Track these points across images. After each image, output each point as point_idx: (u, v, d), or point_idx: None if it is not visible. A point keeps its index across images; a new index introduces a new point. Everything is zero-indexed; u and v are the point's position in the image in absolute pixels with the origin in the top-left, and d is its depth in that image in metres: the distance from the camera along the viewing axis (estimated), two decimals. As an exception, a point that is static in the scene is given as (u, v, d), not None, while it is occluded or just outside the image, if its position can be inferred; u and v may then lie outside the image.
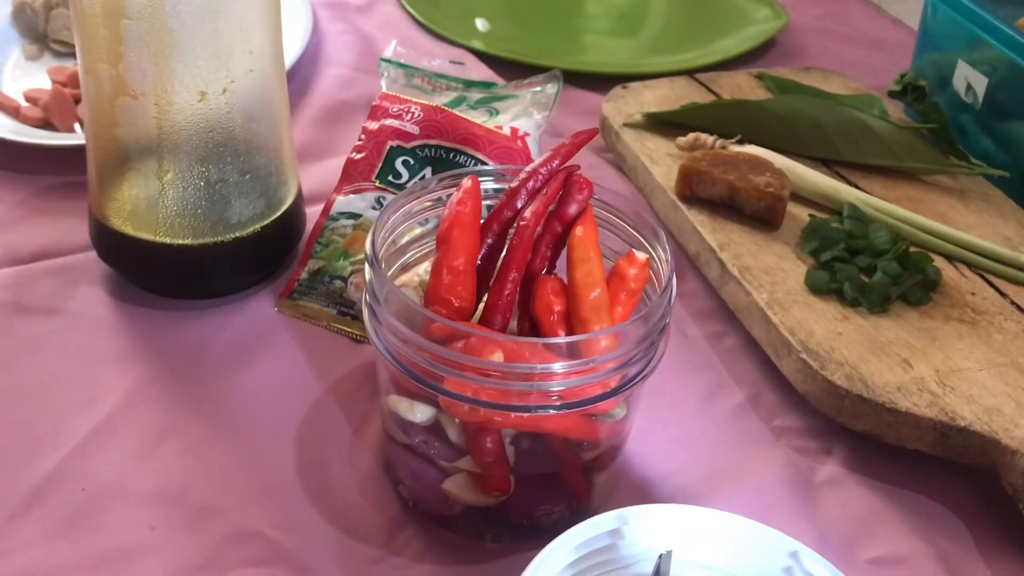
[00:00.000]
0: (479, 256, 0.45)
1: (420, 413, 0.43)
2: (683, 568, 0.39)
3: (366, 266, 0.44)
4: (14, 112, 0.68)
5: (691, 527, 0.40)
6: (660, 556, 0.39)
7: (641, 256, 0.44)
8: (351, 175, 0.60)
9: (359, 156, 0.60)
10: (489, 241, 0.45)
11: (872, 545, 0.47)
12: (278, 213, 0.56)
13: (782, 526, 0.40)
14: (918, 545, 0.47)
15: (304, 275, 0.57)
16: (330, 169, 0.63)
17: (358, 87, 0.76)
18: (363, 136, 0.60)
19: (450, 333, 0.41)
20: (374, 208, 0.58)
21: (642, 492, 0.49)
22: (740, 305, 0.57)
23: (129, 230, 0.54)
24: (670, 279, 0.43)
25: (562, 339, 0.42)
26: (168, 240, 0.54)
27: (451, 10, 0.88)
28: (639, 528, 0.39)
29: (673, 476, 0.50)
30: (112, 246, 0.56)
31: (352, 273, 0.56)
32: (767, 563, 0.39)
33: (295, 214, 0.58)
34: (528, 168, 0.46)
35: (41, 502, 0.46)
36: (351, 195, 0.59)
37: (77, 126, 0.67)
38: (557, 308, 0.43)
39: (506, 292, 0.43)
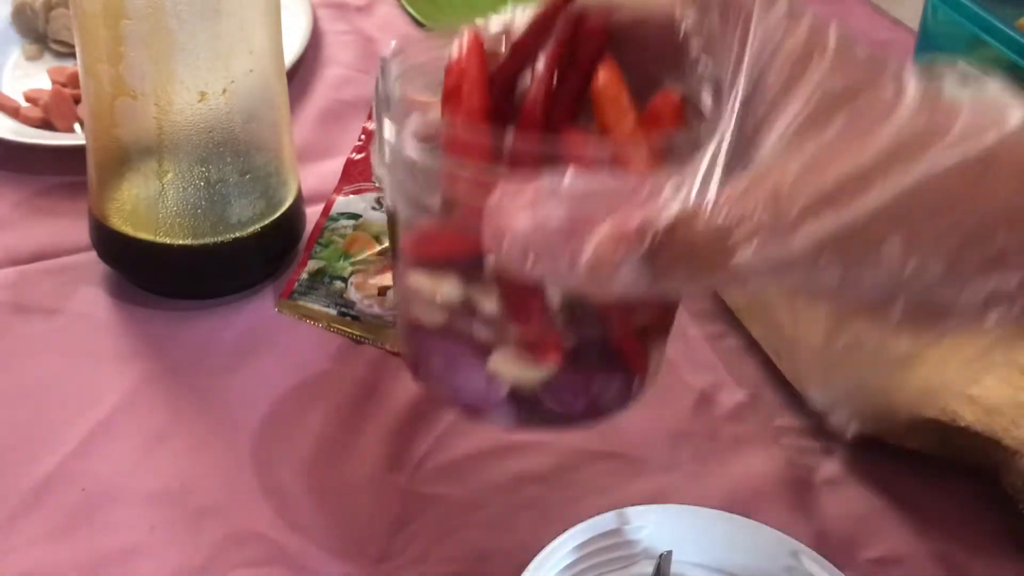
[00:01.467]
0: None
1: (448, 288, 0.37)
2: (683, 568, 0.39)
3: (377, 118, 0.36)
4: (14, 112, 0.68)
5: (691, 527, 0.40)
6: (660, 556, 0.39)
7: (674, 95, 0.37)
8: (351, 175, 0.60)
9: (359, 156, 0.60)
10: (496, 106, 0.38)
11: (872, 545, 0.47)
12: (278, 213, 0.56)
13: (782, 526, 0.40)
14: (918, 545, 0.47)
15: (304, 276, 0.57)
16: (330, 169, 0.63)
17: (358, 87, 0.76)
18: (363, 136, 0.60)
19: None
20: (374, 208, 0.58)
21: (642, 492, 0.49)
22: (740, 305, 0.57)
23: (129, 230, 0.54)
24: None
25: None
26: (168, 240, 0.54)
27: (451, 9, 0.88)
28: (639, 528, 0.39)
29: (673, 476, 0.50)
30: (112, 246, 0.56)
31: (352, 274, 0.56)
32: (767, 563, 0.39)
33: (295, 214, 0.58)
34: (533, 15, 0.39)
35: (41, 502, 0.46)
36: (351, 195, 0.59)
37: (77, 126, 0.67)
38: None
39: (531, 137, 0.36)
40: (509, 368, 0.38)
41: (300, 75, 0.76)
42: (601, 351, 0.39)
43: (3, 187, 0.63)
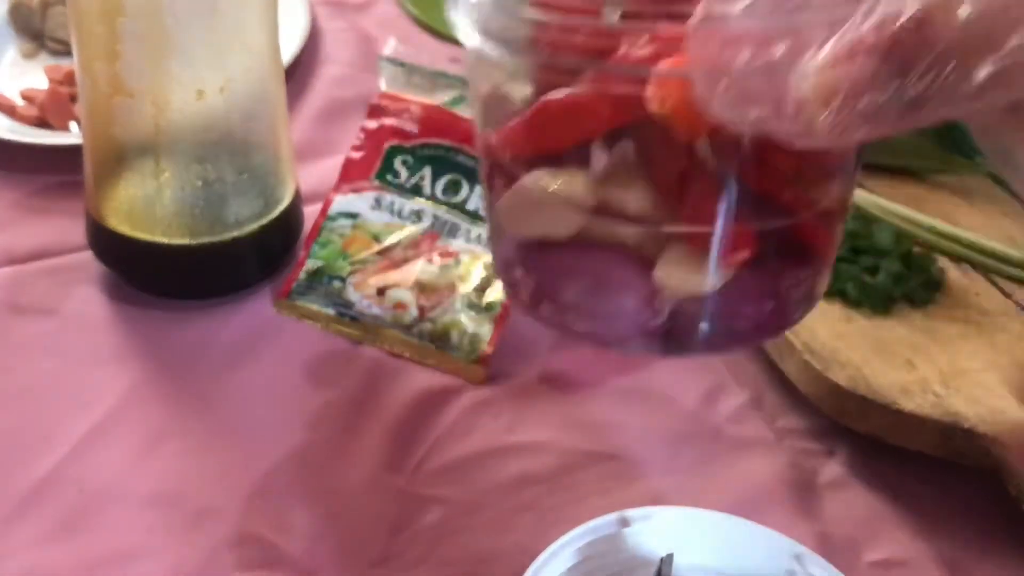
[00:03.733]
0: None
1: (580, 183, 0.28)
2: (685, 571, 0.39)
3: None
4: (10, 111, 0.67)
5: (693, 529, 0.39)
6: (661, 559, 0.39)
7: None
8: (350, 174, 0.59)
9: (358, 155, 0.59)
10: None
11: (875, 547, 0.47)
12: (276, 212, 0.56)
13: (784, 528, 0.40)
14: (922, 547, 0.47)
15: (302, 275, 0.57)
16: (328, 168, 0.63)
17: (357, 86, 0.75)
18: (362, 135, 0.60)
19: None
20: (373, 208, 0.58)
21: (643, 494, 0.48)
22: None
23: (126, 230, 0.54)
24: None
25: None
26: (165, 240, 0.53)
27: (450, 8, 0.88)
28: (640, 530, 0.39)
29: (675, 478, 0.49)
30: (109, 246, 0.55)
31: (351, 273, 0.56)
32: (770, 565, 0.39)
33: (293, 213, 0.58)
34: None
35: (38, 504, 0.46)
36: (350, 195, 0.59)
37: (74, 125, 0.67)
38: None
39: None
40: (680, 278, 0.29)
41: (298, 73, 0.75)
42: (787, 240, 0.31)
43: (-1, 186, 0.63)
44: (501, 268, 0.34)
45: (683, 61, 0.24)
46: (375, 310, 0.55)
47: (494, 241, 0.33)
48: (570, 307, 0.32)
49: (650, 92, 0.24)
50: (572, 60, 0.26)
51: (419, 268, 0.56)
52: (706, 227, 0.28)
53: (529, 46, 0.26)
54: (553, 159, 0.29)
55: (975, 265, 0.60)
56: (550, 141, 0.28)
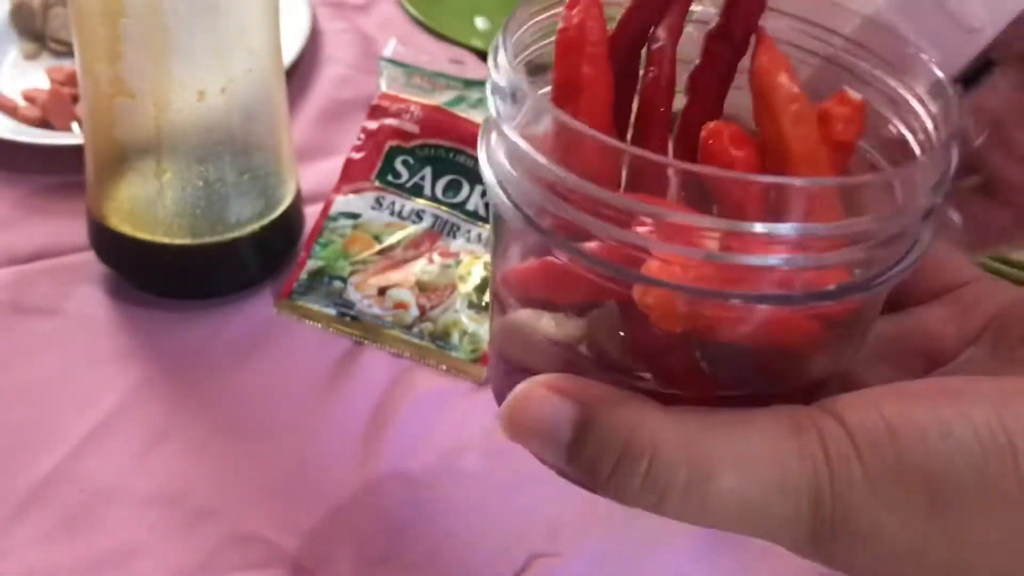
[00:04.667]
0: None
1: (571, 327, 0.29)
2: None
3: (496, 103, 0.30)
4: (12, 111, 0.67)
5: None
6: None
7: (855, 96, 0.28)
8: (350, 175, 0.59)
9: (358, 156, 0.60)
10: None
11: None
12: (277, 213, 0.56)
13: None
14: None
15: (303, 275, 0.57)
16: (329, 169, 0.63)
17: (357, 86, 0.75)
18: (362, 135, 0.60)
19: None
20: (373, 208, 0.58)
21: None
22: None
23: (127, 230, 0.54)
24: (951, 134, 0.27)
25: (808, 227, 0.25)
26: (166, 240, 0.53)
27: (451, 9, 0.88)
28: None
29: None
30: (110, 246, 0.55)
31: (352, 273, 0.56)
32: None
33: (294, 214, 0.58)
34: None
35: (39, 503, 0.46)
36: (350, 195, 0.59)
37: (75, 125, 0.67)
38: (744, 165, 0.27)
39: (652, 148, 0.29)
40: None
41: (299, 74, 0.76)
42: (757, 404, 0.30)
43: (1, 187, 0.63)
44: (494, 374, 0.34)
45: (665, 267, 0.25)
46: (376, 310, 0.55)
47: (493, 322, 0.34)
48: None
49: (636, 289, 0.26)
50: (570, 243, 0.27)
51: (419, 268, 0.56)
52: (679, 391, 0.29)
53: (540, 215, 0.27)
54: (548, 304, 0.30)
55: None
56: (546, 293, 0.30)
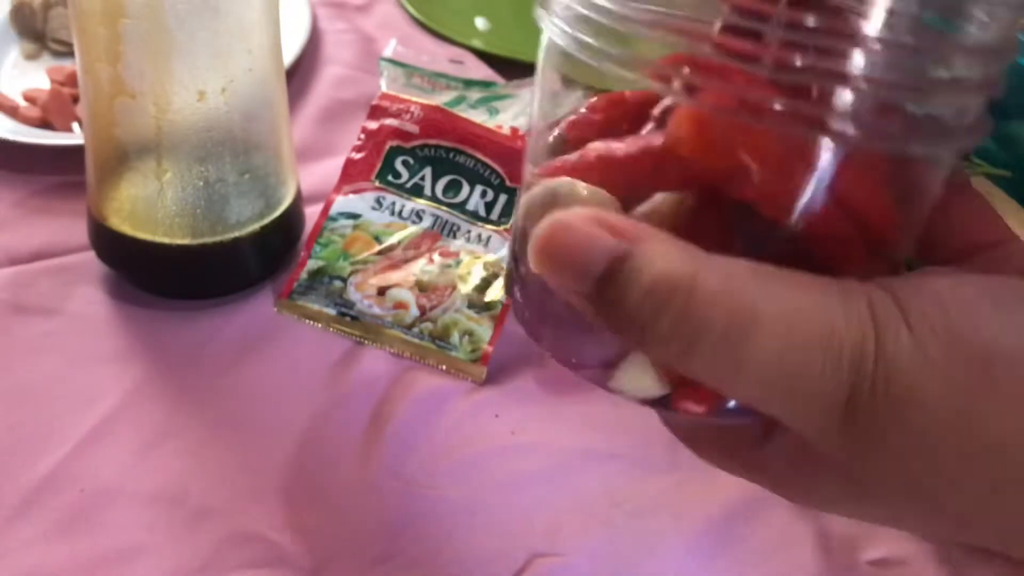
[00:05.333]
0: None
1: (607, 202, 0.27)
2: None
3: None
4: (12, 112, 0.67)
5: None
6: None
7: None
8: (350, 175, 0.59)
9: (359, 156, 0.60)
10: None
11: (874, 546, 0.47)
12: (277, 213, 0.56)
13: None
14: (921, 546, 0.47)
15: (303, 275, 0.57)
16: (329, 169, 0.63)
17: (357, 86, 0.75)
18: (362, 136, 0.60)
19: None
20: (374, 208, 0.58)
21: (644, 494, 0.48)
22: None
23: (128, 230, 0.54)
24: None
25: None
26: (167, 240, 0.53)
27: (451, 9, 0.88)
28: None
29: (675, 477, 0.49)
30: (111, 246, 0.55)
31: (352, 273, 0.56)
32: None
33: (294, 214, 0.58)
34: None
35: (39, 503, 0.46)
36: (351, 195, 0.59)
37: (76, 126, 0.67)
38: None
39: None
40: (636, 386, 0.30)
41: (299, 74, 0.76)
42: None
43: (1, 187, 0.63)
44: (508, 278, 0.32)
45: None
46: (376, 310, 0.55)
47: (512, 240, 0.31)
48: (558, 345, 0.30)
49: (671, 124, 0.25)
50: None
51: (419, 268, 0.56)
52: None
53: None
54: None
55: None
56: (600, 182, 0.27)
